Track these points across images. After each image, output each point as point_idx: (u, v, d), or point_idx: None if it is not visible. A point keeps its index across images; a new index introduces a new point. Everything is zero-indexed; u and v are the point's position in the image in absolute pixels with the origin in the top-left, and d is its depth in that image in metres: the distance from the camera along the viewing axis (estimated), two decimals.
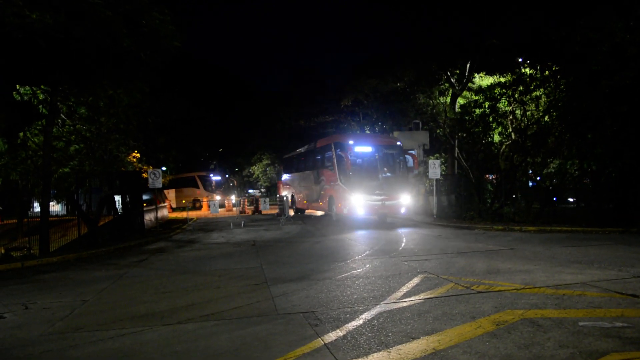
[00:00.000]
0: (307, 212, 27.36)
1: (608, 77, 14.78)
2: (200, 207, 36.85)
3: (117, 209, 20.09)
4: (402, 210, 19.15)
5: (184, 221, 24.68)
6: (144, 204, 22.38)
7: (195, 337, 5.77)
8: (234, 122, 50.19)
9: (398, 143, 20.52)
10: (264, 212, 29.30)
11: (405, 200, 19.17)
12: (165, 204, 30.90)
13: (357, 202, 18.24)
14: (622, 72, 14.41)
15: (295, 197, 26.88)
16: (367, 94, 32.44)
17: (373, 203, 18.42)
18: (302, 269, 10.17)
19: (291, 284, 8.59)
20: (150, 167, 21.56)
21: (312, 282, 8.68)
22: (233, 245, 14.79)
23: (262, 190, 48.95)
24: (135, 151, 21.06)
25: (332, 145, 19.99)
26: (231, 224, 21.85)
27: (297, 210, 27.15)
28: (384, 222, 20.48)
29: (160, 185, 19.76)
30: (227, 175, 51.39)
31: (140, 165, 21.79)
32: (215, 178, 44.04)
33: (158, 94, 21.98)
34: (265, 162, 47.07)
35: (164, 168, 29.97)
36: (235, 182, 51.04)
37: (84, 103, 15.38)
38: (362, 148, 19.35)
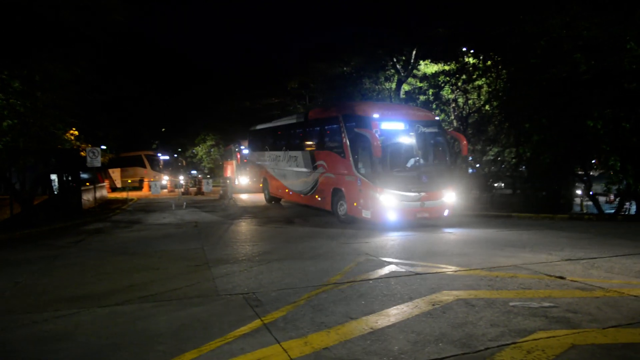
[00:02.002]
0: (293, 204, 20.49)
1: (545, 70, 15.36)
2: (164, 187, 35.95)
3: (53, 188, 19.33)
4: (445, 213, 13.77)
5: (124, 201, 24.04)
6: (87, 183, 21.66)
7: (133, 318, 5.68)
8: (181, 103, 48.99)
9: (437, 118, 15.15)
10: (206, 193, 28.87)
11: (450, 198, 13.77)
12: (104, 184, 29.96)
13: (388, 202, 12.73)
14: (558, 66, 15.00)
15: (269, 182, 21.07)
16: (315, 77, 32.41)
17: (409, 204, 12.95)
18: (245, 250, 10.16)
19: (233, 265, 8.56)
20: (89, 145, 20.75)
21: (253, 263, 8.67)
22: (174, 227, 14.55)
23: (206, 171, 48.16)
24: (74, 128, 20.25)
25: (341, 119, 14.51)
26: (173, 205, 21.45)
27: (270, 199, 21.61)
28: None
29: (99, 164, 19.14)
30: (175, 155, 50.28)
31: (78, 143, 20.96)
32: (163, 157, 43.00)
33: (104, 72, 21.18)
34: (209, 143, 46.28)
35: (103, 147, 28.98)
36: (184, 162, 49.90)
37: (18, 76, 14.63)
38: (391, 124, 13.50)
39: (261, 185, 22.31)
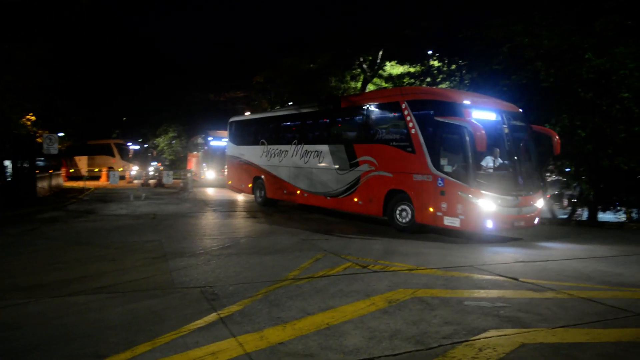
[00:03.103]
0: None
1: (507, 77, 15.73)
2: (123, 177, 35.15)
3: (5, 175, 18.69)
4: (536, 221, 11.44)
5: (81, 191, 23.44)
6: (50, 170, 21.09)
7: (85, 309, 5.55)
8: (143, 92, 47.92)
9: (521, 110, 12.43)
10: (167, 185, 28.38)
11: (540, 203, 11.65)
12: (60, 172, 29.14)
13: (488, 207, 10.35)
14: (519, 72, 15.37)
15: (265, 181, 17.84)
16: (281, 72, 32.34)
17: (508, 210, 10.66)
18: (203, 244, 10.06)
19: (191, 258, 8.46)
20: (47, 131, 20.16)
21: (212, 257, 8.60)
22: (132, 218, 14.28)
23: (167, 163, 47.38)
24: (31, 114, 19.64)
25: (406, 105, 12.01)
26: (131, 196, 21.03)
27: (265, 202, 18.04)
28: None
29: (56, 151, 18.59)
30: (145, 145, 49.29)
31: (35, 129, 20.32)
32: (133, 147, 42.19)
33: (66, 55, 20.60)
34: (171, 134, 45.58)
35: (61, 134, 28.20)
36: (154, 152, 48.86)
37: None
38: (484, 113, 11.10)
39: (250, 185, 18.86)
